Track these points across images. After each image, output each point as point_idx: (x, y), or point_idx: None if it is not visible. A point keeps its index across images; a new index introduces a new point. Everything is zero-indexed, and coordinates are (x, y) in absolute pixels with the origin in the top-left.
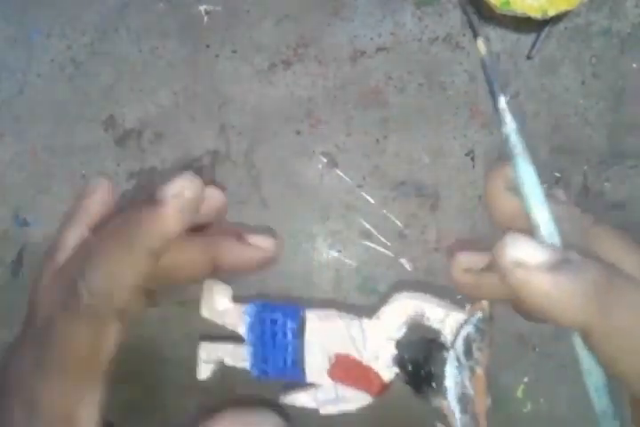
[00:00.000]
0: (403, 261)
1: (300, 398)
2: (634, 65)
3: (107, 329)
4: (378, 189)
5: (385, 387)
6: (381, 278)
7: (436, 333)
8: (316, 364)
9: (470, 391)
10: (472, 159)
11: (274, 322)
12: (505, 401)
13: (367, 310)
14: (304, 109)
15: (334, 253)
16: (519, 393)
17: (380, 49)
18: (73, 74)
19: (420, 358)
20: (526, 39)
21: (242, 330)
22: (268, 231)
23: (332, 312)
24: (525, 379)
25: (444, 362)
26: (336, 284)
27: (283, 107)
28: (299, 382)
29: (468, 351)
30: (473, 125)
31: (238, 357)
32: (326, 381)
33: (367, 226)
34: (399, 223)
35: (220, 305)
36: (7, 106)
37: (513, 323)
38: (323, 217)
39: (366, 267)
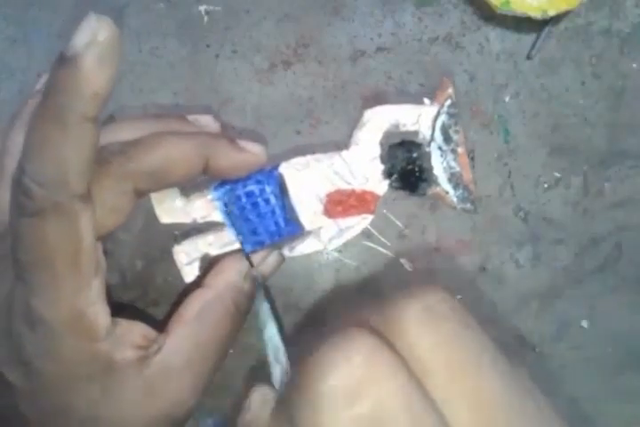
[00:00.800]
0: (403, 261)
1: (305, 246)
2: (634, 65)
3: (74, 216)
4: None
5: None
6: (381, 278)
7: (414, 133)
8: (309, 211)
9: (457, 169)
10: (472, 159)
11: (250, 194)
12: None
13: (340, 141)
14: (304, 109)
15: (334, 253)
16: None
17: (379, 49)
18: None
19: (406, 161)
20: (526, 39)
21: (216, 216)
22: (256, 135)
23: (308, 158)
24: None
25: (428, 156)
26: (336, 284)
27: (283, 107)
28: (298, 237)
29: (447, 138)
30: (473, 125)
31: (223, 242)
32: (325, 222)
33: (367, 226)
34: (399, 223)
35: (177, 203)
36: (7, 106)
37: (513, 323)
38: None
39: (366, 267)
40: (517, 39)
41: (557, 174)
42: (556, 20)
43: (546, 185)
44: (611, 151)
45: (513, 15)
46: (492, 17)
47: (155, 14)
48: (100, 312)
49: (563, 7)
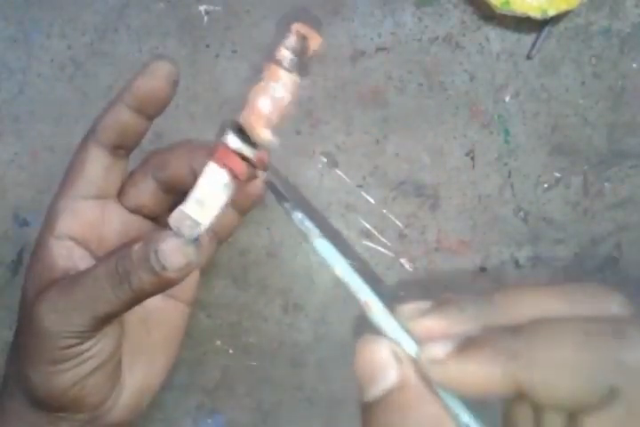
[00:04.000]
0: (403, 261)
1: None
2: (634, 65)
3: None
4: (378, 189)
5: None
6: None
7: None
8: None
9: None
10: (472, 159)
11: None
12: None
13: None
14: (304, 109)
15: None
16: None
17: (379, 49)
18: (73, 74)
19: None
20: (526, 39)
21: None
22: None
23: None
24: None
25: None
26: (336, 284)
27: None
28: None
29: None
30: (473, 125)
31: None
32: None
33: (367, 226)
34: (399, 223)
35: None
36: (7, 106)
37: None
38: None
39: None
40: (517, 39)
41: (557, 174)
42: (556, 20)
43: (546, 185)
44: (611, 151)
45: (513, 15)
46: (492, 17)
47: (155, 14)
48: None
49: (563, 7)
